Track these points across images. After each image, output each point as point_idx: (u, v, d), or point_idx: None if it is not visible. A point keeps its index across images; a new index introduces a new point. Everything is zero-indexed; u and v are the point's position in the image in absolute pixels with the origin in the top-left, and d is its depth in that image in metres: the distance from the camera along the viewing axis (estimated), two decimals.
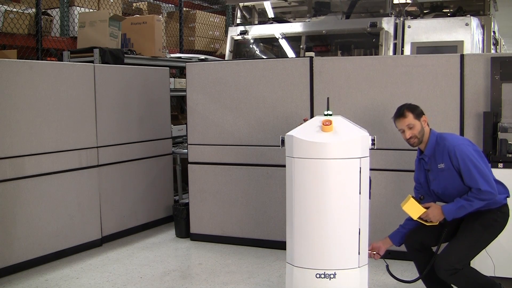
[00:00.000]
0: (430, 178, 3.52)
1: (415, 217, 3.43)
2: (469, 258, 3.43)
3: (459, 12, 7.00)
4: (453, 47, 6.08)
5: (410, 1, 7.27)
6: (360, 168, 3.33)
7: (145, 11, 8.41)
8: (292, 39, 7.00)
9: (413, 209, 3.43)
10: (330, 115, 3.45)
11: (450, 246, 3.39)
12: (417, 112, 3.47)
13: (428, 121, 3.52)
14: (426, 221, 3.43)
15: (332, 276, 3.37)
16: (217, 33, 9.26)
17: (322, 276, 3.37)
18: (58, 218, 4.87)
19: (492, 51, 7.21)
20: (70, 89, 4.96)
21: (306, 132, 3.42)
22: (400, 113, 3.47)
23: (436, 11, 7.40)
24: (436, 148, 3.44)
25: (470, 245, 3.35)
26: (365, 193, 3.38)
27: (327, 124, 3.34)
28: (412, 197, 3.45)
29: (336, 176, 3.34)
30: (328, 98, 3.55)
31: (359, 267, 3.39)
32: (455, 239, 3.40)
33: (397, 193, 4.68)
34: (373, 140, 3.40)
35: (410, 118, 3.43)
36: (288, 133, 3.50)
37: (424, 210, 3.40)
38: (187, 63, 5.64)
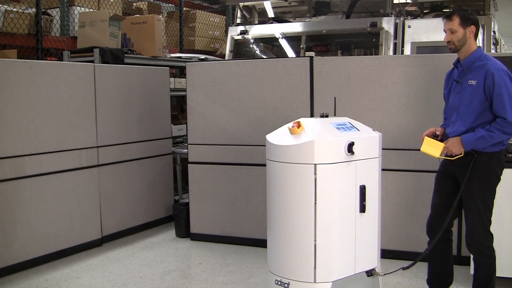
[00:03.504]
0: (455, 89, 3.48)
1: (437, 155, 3.35)
2: (489, 222, 3.42)
3: None
4: None
5: (410, 1, 7.27)
6: (316, 175, 3.08)
7: (145, 11, 8.41)
8: (292, 39, 7.00)
9: (433, 148, 3.36)
10: (327, 116, 3.37)
11: (468, 225, 3.43)
12: (466, 20, 3.36)
13: (474, 41, 3.39)
14: (451, 156, 3.36)
15: (286, 285, 3.23)
16: (217, 33, 9.26)
17: (279, 283, 3.26)
18: (58, 218, 4.87)
19: (492, 51, 7.20)
20: (70, 89, 4.96)
21: (279, 134, 3.33)
22: (448, 14, 3.41)
23: (436, 11, 7.39)
24: (475, 63, 3.37)
25: (481, 212, 3.37)
26: (327, 203, 3.11)
27: (293, 127, 3.19)
28: (427, 136, 3.43)
29: (288, 182, 3.17)
30: (335, 98, 3.48)
31: (315, 282, 3.16)
32: (467, 216, 3.43)
33: (397, 193, 4.68)
34: (350, 145, 3.10)
35: (455, 22, 3.35)
36: (267, 135, 3.44)
37: (443, 145, 3.35)
38: (187, 63, 5.63)
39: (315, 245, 3.13)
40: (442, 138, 3.50)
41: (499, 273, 3.87)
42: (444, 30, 3.45)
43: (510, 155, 3.91)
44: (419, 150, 3.49)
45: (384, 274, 3.35)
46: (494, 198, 3.43)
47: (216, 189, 5.33)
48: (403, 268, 3.40)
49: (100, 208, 5.29)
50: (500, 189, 3.55)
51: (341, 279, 3.21)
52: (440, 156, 3.36)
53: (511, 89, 3.24)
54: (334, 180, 3.12)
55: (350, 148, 3.09)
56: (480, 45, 6.65)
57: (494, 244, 3.51)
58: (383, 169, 4.63)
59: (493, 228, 3.51)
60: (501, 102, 3.22)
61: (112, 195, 5.45)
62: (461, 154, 3.33)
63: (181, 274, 4.52)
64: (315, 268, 3.14)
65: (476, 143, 3.28)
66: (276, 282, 3.28)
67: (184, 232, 5.55)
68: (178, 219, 5.60)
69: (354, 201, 3.19)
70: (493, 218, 3.50)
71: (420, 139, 3.50)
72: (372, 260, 3.35)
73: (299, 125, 3.18)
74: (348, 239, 3.20)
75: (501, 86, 3.22)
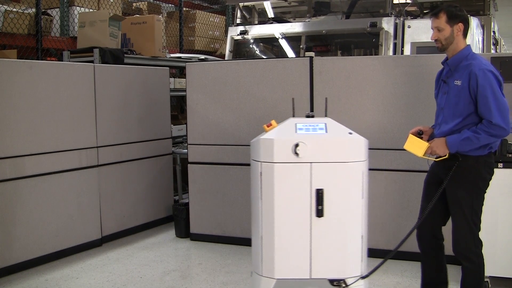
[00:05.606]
0: (442, 89, 3.35)
1: (420, 154, 3.23)
2: (477, 228, 3.27)
3: None
4: None
5: (410, 1, 7.27)
6: (261, 172, 3.14)
7: (145, 11, 8.42)
8: (292, 39, 7.00)
9: (416, 146, 3.24)
10: (312, 116, 3.30)
11: (455, 231, 3.29)
12: (454, 17, 3.21)
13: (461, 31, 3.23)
14: (435, 157, 3.24)
15: (251, 273, 3.37)
16: (217, 33, 9.27)
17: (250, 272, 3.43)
18: (58, 218, 4.87)
19: (492, 51, 7.21)
20: (70, 89, 4.96)
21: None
22: (434, 12, 3.28)
23: None
24: (462, 62, 3.22)
25: (468, 218, 3.22)
26: (270, 201, 3.13)
27: (266, 125, 3.29)
28: (411, 133, 3.32)
29: (252, 177, 3.33)
30: (326, 99, 3.45)
31: (262, 275, 3.21)
32: (454, 223, 3.29)
33: (397, 193, 4.68)
34: (295, 146, 3.05)
35: (442, 20, 3.22)
36: None
37: (427, 144, 3.23)
38: (187, 63, 5.64)
39: (261, 240, 3.20)
40: (428, 138, 3.38)
41: (499, 273, 3.88)
42: (431, 28, 3.32)
43: (510, 155, 3.93)
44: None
45: (345, 287, 3.19)
46: (482, 203, 3.26)
47: (216, 189, 5.33)
48: (362, 277, 3.21)
49: (100, 208, 5.30)
50: (495, 189, 3.52)
51: (289, 279, 3.19)
52: (423, 156, 3.25)
53: (496, 89, 3.07)
54: (278, 179, 3.12)
55: (295, 149, 3.08)
56: (480, 45, 6.65)
57: (489, 244, 3.45)
58: (383, 170, 4.68)
59: (488, 229, 3.47)
60: (485, 104, 3.06)
61: (112, 195, 5.45)
62: (445, 155, 3.21)
63: (181, 274, 4.52)
64: (261, 262, 3.21)
65: (461, 144, 3.13)
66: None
67: (184, 232, 5.56)
68: (178, 219, 5.60)
69: (309, 204, 3.13)
70: (489, 219, 3.46)
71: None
72: (340, 269, 3.19)
73: (270, 124, 3.26)
74: (298, 241, 3.16)
75: (485, 87, 3.06)
